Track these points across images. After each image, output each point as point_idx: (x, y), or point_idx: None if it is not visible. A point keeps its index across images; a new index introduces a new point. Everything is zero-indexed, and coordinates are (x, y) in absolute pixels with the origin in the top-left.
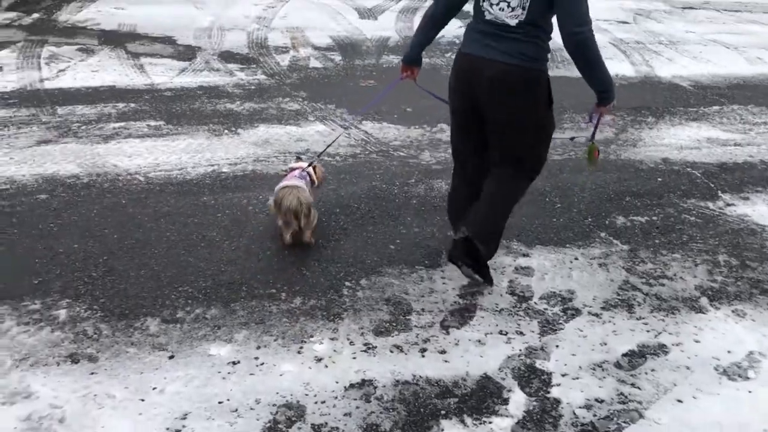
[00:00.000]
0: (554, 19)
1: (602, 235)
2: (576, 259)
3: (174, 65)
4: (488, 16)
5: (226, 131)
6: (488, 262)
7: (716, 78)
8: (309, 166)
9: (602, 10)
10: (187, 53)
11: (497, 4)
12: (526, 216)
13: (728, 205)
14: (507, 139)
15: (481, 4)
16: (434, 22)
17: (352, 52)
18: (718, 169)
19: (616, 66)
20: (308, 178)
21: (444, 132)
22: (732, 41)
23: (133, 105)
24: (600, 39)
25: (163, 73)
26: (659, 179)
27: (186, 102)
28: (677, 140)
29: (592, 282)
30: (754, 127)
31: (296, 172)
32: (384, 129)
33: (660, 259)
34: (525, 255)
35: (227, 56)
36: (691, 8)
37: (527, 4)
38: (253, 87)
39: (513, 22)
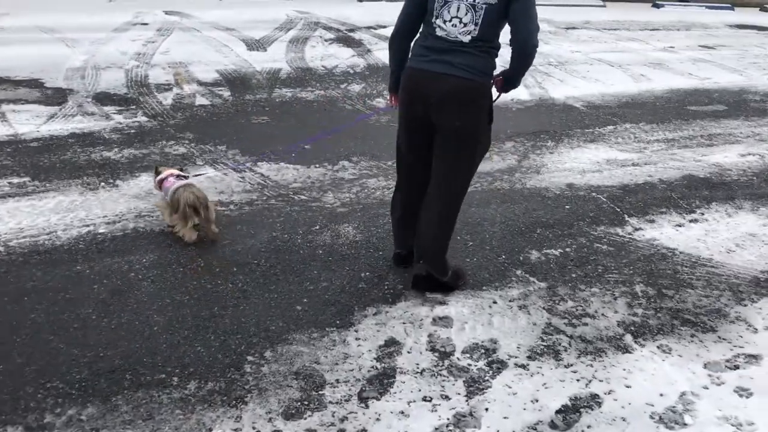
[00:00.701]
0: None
1: (518, 273)
2: (495, 302)
3: (41, 111)
4: (440, 33)
5: (102, 184)
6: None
7: (606, 97)
8: (181, 171)
9: None
10: (56, 97)
11: (449, 21)
12: None
13: (636, 229)
14: (451, 148)
15: (432, 21)
16: (401, 49)
17: (242, 87)
18: (621, 192)
19: (511, 91)
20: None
21: (346, 170)
22: (615, 59)
23: None
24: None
25: (29, 121)
26: (567, 207)
27: (55, 153)
28: (578, 164)
29: (514, 328)
30: (648, 146)
31: (173, 178)
32: (282, 170)
33: (579, 295)
34: (442, 303)
35: (103, 98)
36: (573, 28)
37: (479, 21)
38: (132, 131)
39: (466, 39)
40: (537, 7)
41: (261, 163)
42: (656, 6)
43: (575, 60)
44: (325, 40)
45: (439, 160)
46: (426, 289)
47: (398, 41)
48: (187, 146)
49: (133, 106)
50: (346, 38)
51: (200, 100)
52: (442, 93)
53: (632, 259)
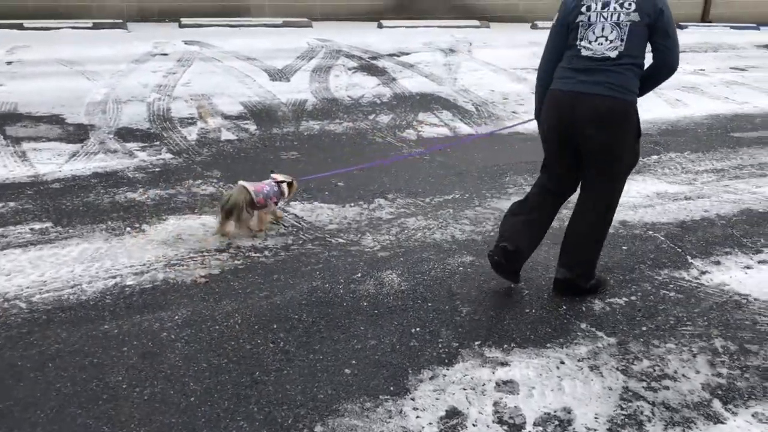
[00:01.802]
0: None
1: (583, 326)
2: (562, 362)
3: (63, 149)
4: (585, 53)
5: (128, 229)
6: None
7: (645, 124)
8: (288, 184)
9: (517, 57)
10: (78, 133)
11: (596, 41)
12: (494, 309)
13: (703, 273)
14: (603, 163)
15: (577, 44)
16: (551, 72)
17: (268, 120)
18: (679, 230)
19: None
20: (273, 188)
21: (383, 209)
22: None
23: (12, 204)
24: (521, 89)
25: (50, 160)
26: (624, 248)
27: (78, 195)
28: (628, 198)
29: (588, 394)
30: (698, 176)
31: (266, 182)
32: (316, 210)
33: (654, 353)
34: (504, 364)
35: (125, 133)
36: None
37: (625, 36)
38: (157, 169)
39: (614, 54)
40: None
41: (294, 203)
42: (680, 27)
43: None
44: (349, 69)
45: (587, 176)
46: (569, 293)
47: (549, 67)
48: (215, 185)
49: (157, 142)
50: (369, 66)
51: (226, 135)
52: (591, 111)
53: (704, 308)
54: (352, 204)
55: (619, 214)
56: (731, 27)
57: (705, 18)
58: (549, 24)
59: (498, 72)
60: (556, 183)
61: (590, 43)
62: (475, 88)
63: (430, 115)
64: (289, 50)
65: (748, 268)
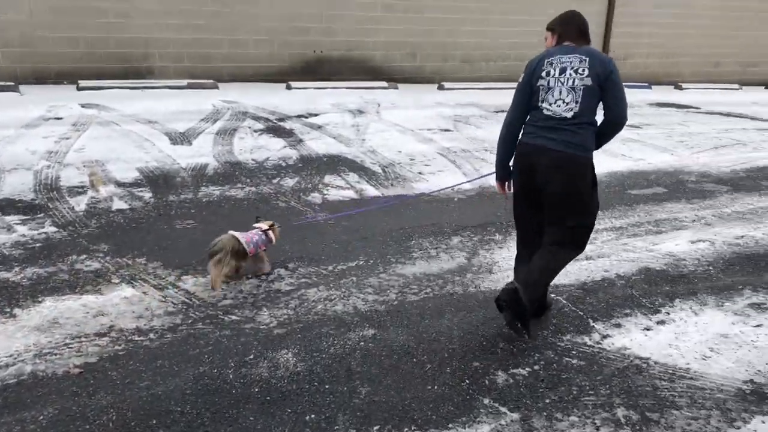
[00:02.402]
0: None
1: (486, 402)
2: None
3: None
4: (546, 113)
5: None
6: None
7: None
8: (269, 228)
9: (424, 118)
10: None
11: (554, 103)
12: (395, 388)
13: (604, 337)
14: (563, 210)
15: (539, 105)
16: (513, 137)
17: (165, 186)
18: (581, 292)
19: (451, 179)
20: (262, 236)
21: (282, 280)
22: None
23: None
24: (427, 150)
25: None
26: None
27: None
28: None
29: None
30: (598, 235)
31: (254, 231)
32: (210, 285)
33: (558, 427)
34: None
35: (6, 206)
36: (503, 111)
37: (579, 99)
38: (38, 244)
39: (569, 115)
40: (467, 90)
41: (186, 277)
42: None
43: None
44: (255, 131)
45: (552, 223)
46: (512, 308)
47: (511, 130)
48: (102, 260)
49: (41, 215)
50: (276, 128)
51: (118, 204)
52: (552, 161)
53: (607, 375)
54: (250, 275)
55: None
56: (627, 86)
57: None
58: (456, 85)
59: (405, 133)
60: (530, 224)
61: (550, 105)
62: (382, 149)
63: (337, 177)
64: (193, 112)
65: (647, 329)
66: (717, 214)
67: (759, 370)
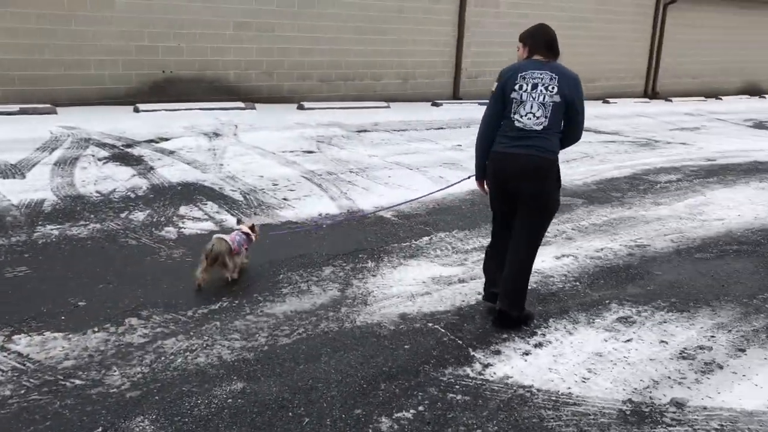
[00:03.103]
0: None
1: None
2: None
3: None
4: (518, 124)
5: None
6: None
7: (413, 204)
8: (250, 228)
9: (285, 140)
10: None
11: (525, 116)
12: None
13: (485, 366)
14: (530, 209)
15: (511, 116)
16: (489, 142)
17: None
18: (458, 318)
19: (317, 204)
20: (245, 237)
21: (135, 331)
22: (412, 162)
23: None
24: (290, 174)
25: None
26: (407, 347)
27: None
28: (405, 286)
29: None
30: (468, 256)
31: (235, 233)
32: (48, 343)
33: None
34: None
35: None
36: (365, 131)
37: (548, 114)
38: None
39: (539, 128)
40: (327, 110)
41: (18, 336)
42: (435, 105)
43: (374, 165)
44: (99, 159)
45: (521, 219)
46: (506, 326)
47: (488, 136)
48: None
49: None
50: (123, 155)
51: None
52: (522, 168)
53: (492, 410)
54: (96, 329)
55: (398, 307)
56: (479, 103)
57: (456, 96)
58: (316, 104)
59: (266, 156)
60: (504, 223)
61: (521, 117)
62: (243, 174)
63: (193, 207)
64: (26, 141)
65: (526, 354)
66: (576, 227)
67: (635, 389)
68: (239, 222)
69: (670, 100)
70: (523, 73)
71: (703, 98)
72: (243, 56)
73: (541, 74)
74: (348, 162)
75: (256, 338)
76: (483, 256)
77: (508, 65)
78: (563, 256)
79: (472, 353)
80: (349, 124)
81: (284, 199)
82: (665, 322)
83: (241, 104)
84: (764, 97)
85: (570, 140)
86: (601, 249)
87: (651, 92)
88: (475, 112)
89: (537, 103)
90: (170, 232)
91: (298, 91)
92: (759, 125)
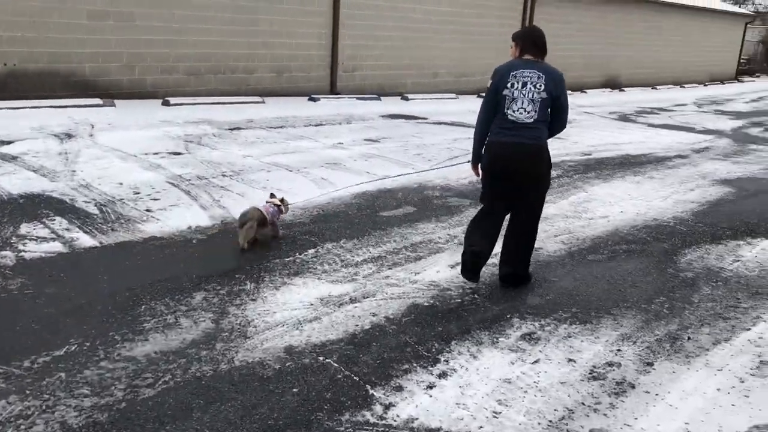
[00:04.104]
0: None
1: None
2: None
3: None
4: (511, 118)
5: None
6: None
7: (296, 211)
8: (280, 201)
9: (149, 140)
10: None
11: (517, 110)
12: None
13: (387, 407)
14: (529, 188)
15: (505, 111)
16: (486, 132)
17: None
18: (352, 348)
19: (186, 214)
20: (275, 209)
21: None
22: (291, 162)
23: None
24: (154, 179)
25: None
26: (295, 390)
27: None
28: (290, 312)
29: None
30: (359, 269)
31: (269, 204)
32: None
33: None
34: None
35: None
36: (238, 128)
37: (537, 109)
38: None
39: (530, 121)
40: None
41: None
42: (312, 99)
43: (250, 167)
44: None
45: (522, 198)
46: (513, 283)
47: (484, 126)
48: None
49: None
50: None
51: None
52: (516, 153)
53: None
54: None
55: (283, 338)
56: (357, 98)
57: (334, 90)
58: (183, 99)
59: (127, 159)
60: (495, 207)
61: (514, 112)
62: (99, 182)
63: (38, 225)
64: None
65: (431, 387)
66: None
67: (551, 421)
68: (272, 196)
69: None
70: (515, 72)
71: (570, 92)
72: (100, 47)
73: (530, 73)
74: (220, 164)
75: (111, 392)
76: (375, 267)
77: (501, 63)
78: (457, 264)
79: (371, 391)
80: (221, 121)
81: (147, 210)
82: (570, 337)
83: (98, 101)
84: (623, 90)
85: (557, 129)
86: (495, 255)
87: None
88: (354, 107)
89: (527, 99)
90: (6, 257)
91: (163, 86)
92: (623, 118)
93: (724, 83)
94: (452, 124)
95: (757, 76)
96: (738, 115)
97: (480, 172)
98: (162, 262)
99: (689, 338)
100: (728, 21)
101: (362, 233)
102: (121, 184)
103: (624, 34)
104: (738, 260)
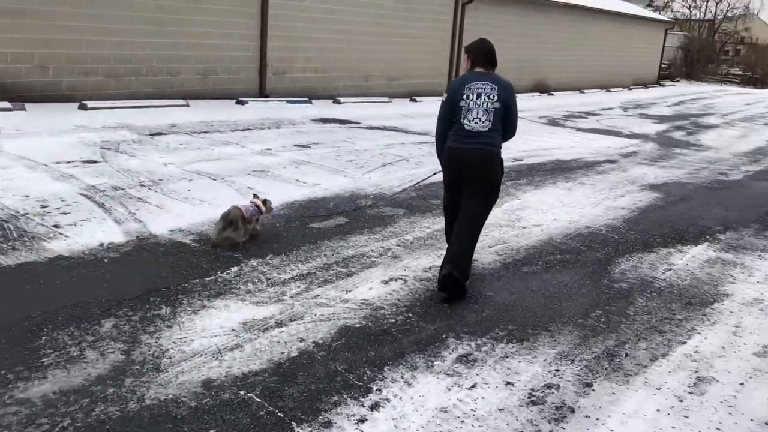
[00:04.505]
0: None
1: None
2: None
3: None
4: (467, 127)
5: None
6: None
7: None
8: (263, 201)
9: (61, 147)
10: None
11: (472, 120)
12: None
13: None
14: (480, 190)
15: (461, 121)
16: (444, 140)
17: None
18: (277, 380)
19: (97, 230)
20: (255, 209)
21: None
22: (216, 170)
23: None
24: (65, 191)
25: None
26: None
27: None
28: (209, 339)
29: None
30: (286, 289)
31: (249, 204)
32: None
33: None
34: None
35: None
36: (160, 134)
37: (491, 118)
38: None
39: (485, 130)
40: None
41: None
42: (240, 103)
43: (171, 176)
44: None
45: (470, 201)
46: (450, 289)
47: (442, 134)
48: None
49: None
50: None
51: None
52: (473, 158)
53: None
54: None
55: (200, 371)
56: (288, 101)
57: (263, 93)
58: (102, 103)
59: (35, 169)
60: (455, 203)
61: (470, 121)
62: (1, 194)
63: None
64: None
65: (361, 422)
66: (401, 242)
67: None
68: (255, 196)
69: None
70: (469, 85)
71: None
72: (9, 47)
73: (483, 85)
74: (139, 173)
75: None
76: (304, 285)
77: (456, 78)
78: (391, 279)
79: (297, 430)
80: (142, 126)
81: (55, 226)
82: (507, 357)
83: (7, 104)
84: (552, 94)
85: (509, 135)
86: (430, 268)
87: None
88: (283, 111)
89: (482, 109)
90: None
91: (81, 89)
92: (553, 122)
93: (647, 87)
94: (385, 128)
95: (678, 81)
96: (662, 118)
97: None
98: (68, 286)
99: (627, 355)
100: (650, 27)
101: (290, 248)
102: (27, 196)
103: (553, 39)
104: (670, 269)
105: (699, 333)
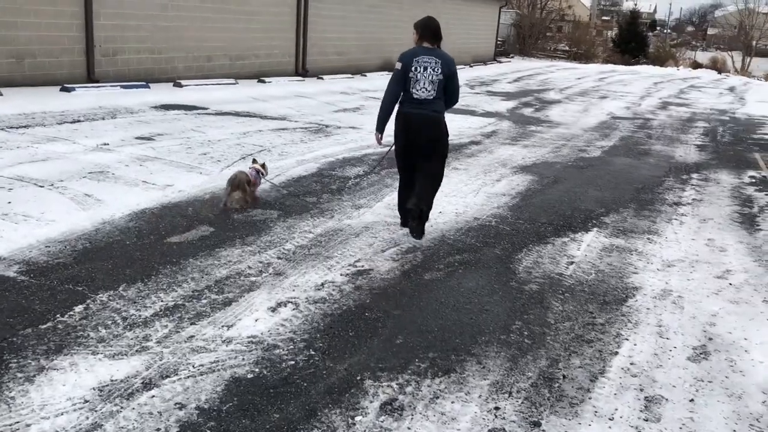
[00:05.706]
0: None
1: None
2: None
3: None
4: (415, 96)
5: None
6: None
7: (52, 246)
8: (261, 165)
9: None
10: None
11: (420, 89)
12: None
13: None
14: (432, 149)
15: (410, 90)
16: (391, 108)
17: None
18: None
19: None
20: (256, 173)
21: None
22: (44, 175)
23: None
24: None
25: None
26: None
27: None
28: (54, 418)
29: None
30: (150, 332)
31: (251, 169)
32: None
33: None
34: None
35: None
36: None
37: (436, 88)
38: None
39: (431, 97)
40: None
41: None
42: (66, 90)
43: None
44: None
45: (426, 159)
46: (417, 217)
47: (389, 105)
48: None
49: None
50: None
51: None
52: (423, 122)
53: None
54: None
55: None
56: (122, 87)
57: (91, 77)
58: None
59: None
60: (408, 165)
61: (417, 90)
62: None
63: None
64: None
65: None
66: (282, 254)
67: None
68: (254, 161)
69: (322, 78)
70: (417, 58)
71: (350, 75)
72: None
73: (429, 59)
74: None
75: None
76: (171, 324)
77: (406, 51)
78: (279, 305)
79: None
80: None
81: None
82: (438, 398)
83: None
84: None
85: (451, 102)
86: (322, 285)
87: (302, 70)
88: (118, 97)
89: (428, 81)
90: None
91: None
92: None
93: (486, 64)
94: (237, 114)
95: (512, 57)
96: (508, 95)
97: (382, 140)
98: None
99: (564, 377)
100: (486, 5)
101: (148, 272)
102: None
103: (397, 17)
104: (572, 262)
105: (627, 339)
